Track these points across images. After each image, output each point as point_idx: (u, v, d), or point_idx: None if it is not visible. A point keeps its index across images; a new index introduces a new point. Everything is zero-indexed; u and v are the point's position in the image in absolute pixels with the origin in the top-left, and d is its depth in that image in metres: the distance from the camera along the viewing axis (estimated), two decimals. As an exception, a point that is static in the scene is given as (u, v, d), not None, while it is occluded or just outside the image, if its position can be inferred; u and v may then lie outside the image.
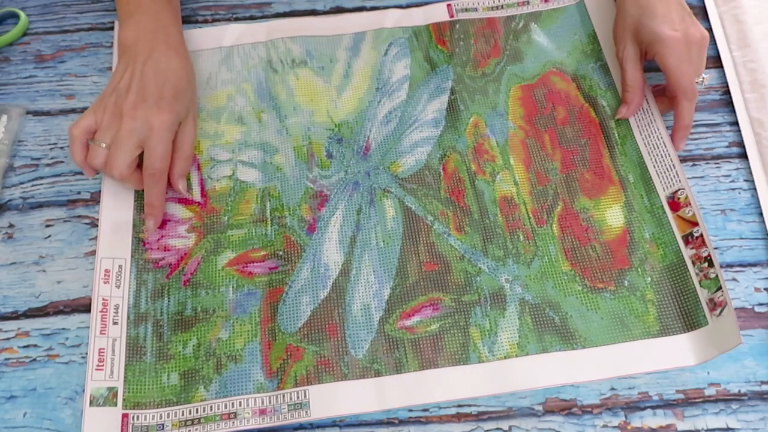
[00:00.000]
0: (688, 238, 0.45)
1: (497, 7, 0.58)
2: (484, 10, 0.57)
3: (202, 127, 0.51)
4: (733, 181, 0.50)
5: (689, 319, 0.43)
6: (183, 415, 0.41)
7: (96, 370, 0.42)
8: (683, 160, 0.50)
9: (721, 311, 0.41)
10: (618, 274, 0.45)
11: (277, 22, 0.57)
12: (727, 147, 0.51)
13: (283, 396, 0.41)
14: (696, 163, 0.51)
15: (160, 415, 0.41)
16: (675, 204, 0.47)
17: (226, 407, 0.41)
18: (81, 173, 0.50)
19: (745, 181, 0.49)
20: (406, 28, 0.56)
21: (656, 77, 0.54)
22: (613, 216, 0.47)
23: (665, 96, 0.50)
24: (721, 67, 0.54)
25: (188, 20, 0.58)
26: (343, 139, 0.51)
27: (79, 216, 0.49)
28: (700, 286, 0.44)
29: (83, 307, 0.45)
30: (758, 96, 0.52)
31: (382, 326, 0.44)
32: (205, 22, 0.58)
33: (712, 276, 0.43)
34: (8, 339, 0.44)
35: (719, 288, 0.42)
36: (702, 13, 0.57)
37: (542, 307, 0.44)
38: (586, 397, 0.42)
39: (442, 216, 0.48)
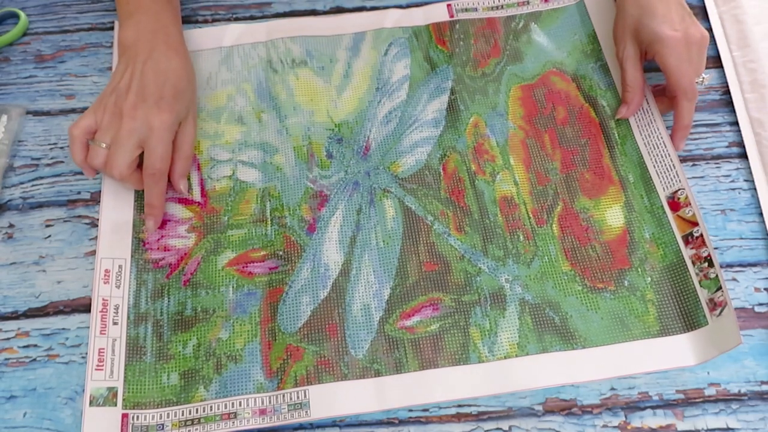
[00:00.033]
0: (688, 238, 0.45)
1: (497, 7, 0.58)
2: (484, 10, 0.57)
3: (202, 127, 0.51)
4: (733, 181, 0.50)
5: (689, 319, 0.43)
6: (183, 415, 0.41)
7: (96, 370, 0.42)
8: (683, 160, 0.50)
9: (721, 311, 0.41)
10: (618, 274, 0.45)
11: (277, 22, 0.57)
12: (727, 147, 0.51)
13: (283, 396, 0.41)
14: (696, 163, 0.51)
15: (160, 415, 0.41)
16: (675, 204, 0.47)
17: (226, 407, 0.41)
18: (81, 173, 0.50)
19: (745, 181, 0.49)
20: (406, 28, 0.56)
21: (656, 77, 0.54)
22: (613, 216, 0.47)
23: (665, 96, 0.50)
24: (721, 67, 0.54)
25: (188, 20, 0.58)
26: (343, 139, 0.51)
27: (79, 216, 0.49)
28: (700, 286, 0.44)
29: (83, 307, 0.45)
30: (758, 96, 0.52)
31: (382, 326, 0.44)
32: (205, 22, 0.58)
33: (712, 276, 0.43)
34: (8, 339, 0.44)
35: (719, 288, 0.42)
36: (702, 13, 0.57)
37: (542, 307, 0.44)
38: (586, 397, 0.42)
39: (442, 216, 0.48)
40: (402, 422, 0.42)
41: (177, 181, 0.47)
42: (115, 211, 0.47)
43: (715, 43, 0.55)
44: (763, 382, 0.42)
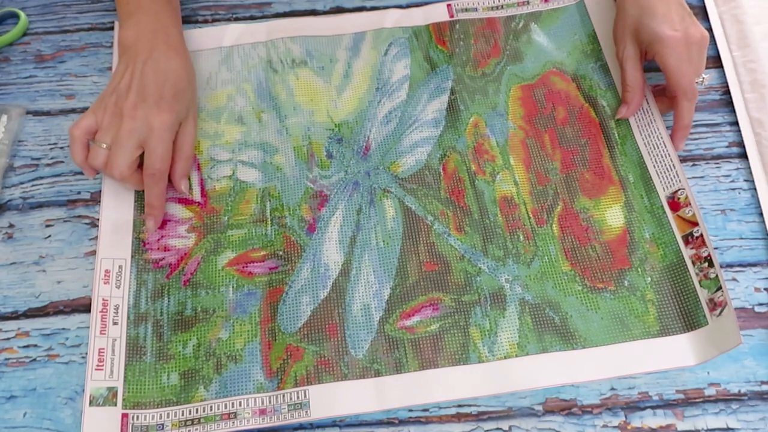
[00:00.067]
0: (688, 238, 0.45)
1: (497, 7, 0.58)
2: (484, 10, 0.57)
3: (202, 127, 0.51)
4: (733, 181, 0.50)
5: (689, 319, 0.43)
6: (183, 415, 0.41)
7: (96, 370, 0.42)
8: (683, 160, 0.50)
9: (721, 311, 0.41)
10: (618, 274, 0.45)
11: (277, 22, 0.57)
12: (727, 147, 0.51)
13: (283, 396, 0.41)
14: (696, 163, 0.51)
15: (160, 415, 0.41)
16: (675, 204, 0.47)
17: (226, 407, 0.41)
18: (81, 173, 0.50)
19: (745, 181, 0.49)
20: (406, 28, 0.56)
21: (656, 77, 0.54)
22: (613, 216, 0.47)
23: (665, 96, 0.50)
24: (721, 67, 0.54)
25: (188, 20, 0.58)
26: (343, 139, 0.51)
27: (79, 216, 0.49)
28: (700, 286, 0.44)
29: (83, 307, 0.45)
30: (758, 96, 0.52)
31: (382, 326, 0.44)
32: (205, 22, 0.58)
33: (712, 276, 0.43)
34: (8, 339, 0.44)
35: (719, 288, 0.42)
36: (702, 13, 0.57)
37: (542, 307, 0.44)
38: (586, 397, 0.42)
39: (442, 216, 0.48)
40: (402, 422, 0.42)
41: (178, 181, 0.47)
42: (116, 211, 0.47)
43: (715, 43, 0.55)
44: (763, 382, 0.42)
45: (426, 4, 0.58)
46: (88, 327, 0.43)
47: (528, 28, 0.56)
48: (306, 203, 0.48)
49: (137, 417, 0.41)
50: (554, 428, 0.41)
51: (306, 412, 0.41)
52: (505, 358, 0.42)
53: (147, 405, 0.41)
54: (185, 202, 0.48)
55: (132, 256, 0.46)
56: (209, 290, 0.45)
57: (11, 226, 0.48)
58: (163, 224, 0.47)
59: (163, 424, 0.40)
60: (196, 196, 0.49)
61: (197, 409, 0.41)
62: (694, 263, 0.44)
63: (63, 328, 0.44)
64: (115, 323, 0.43)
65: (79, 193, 0.49)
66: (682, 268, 0.45)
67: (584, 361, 0.42)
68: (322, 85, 0.54)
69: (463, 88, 0.53)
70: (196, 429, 0.40)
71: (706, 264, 0.43)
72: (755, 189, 0.49)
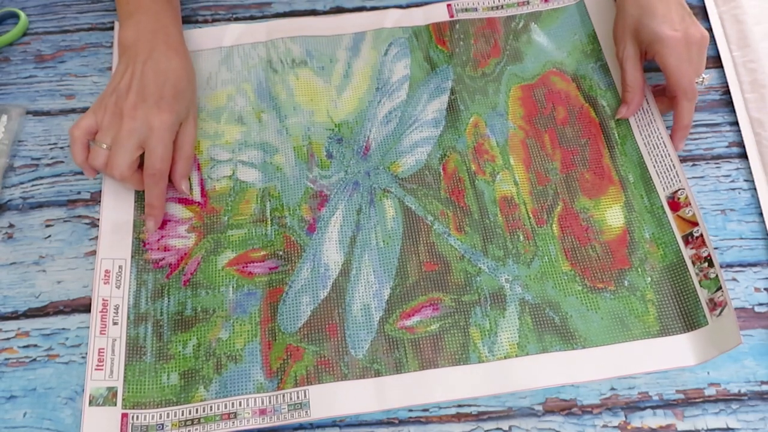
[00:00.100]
0: (688, 238, 0.45)
1: (497, 7, 0.58)
2: (484, 10, 0.57)
3: (202, 127, 0.51)
4: (733, 181, 0.50)
5: (689, 319, 0.43)
6: (183, 415, 0.41)
7: (96, 370, 0.42)
8: (683, 160, 0.50)
9: (721, 311, 0.41)
10: (618, 274, 0.45)
11: (277, 22, 0.57)
12: (727, 147, 0.51)
13: (283, 396, 0.41)
14: (696, 163, 0.51)
15: (160, 415, 0.41)
16: (675, 204, 0.47)
17: (226, 407, 0.41)
18: (81, 173, 0.50)
19: (745, 181, 0.49)
20: (406, 28, 0.56)
21: (656, 77, 0.54)
22: (613, 216, 0.47)
23: (665, 96, 0.50)
24: (721, 67, 0.54)
25: (188, 20, 0.58)
26: (343, 139, 0.51)
27: (79, 216, 0.49)
28: (700, 286, 0.44)
29: (83, 307, 0.45)
30: (758, 96, 0.52)
31: (382, 326, 0.44)
32: (205, 22, 0.58)
33: (712, 276, 0.43)
34: (8, 339, 0.44)
35: (719, 288, 0.42)
36: (702, 13, 0.57)
37: (542, 307, 0.44)
38: (586, 397, 0.42)
39: (442, 216, 0.48)
40: (402, 422, 0.42)
41: (178, 181, 0.47)
42: (116, 212, 0.47)
43: (715, 43, 0.55)
44: (763, 382, 0.42)
45: (426, 4, 0.58)
46: (88, 327, 0.43)
47: (528, 28, 0.56)
48: (306, 203, 0.48)
49: (137, 417, 0.41)
50: (554, 428, 0.41)
51: (306, 412, 0.41)
52: (505, 358, 0.42)
53: (147, 405, 0.41)
54: (185, 202, 0.48)
55: (132, 256, 0.46)
56: (209, 290, 0.45)
57: (11, 226, 0.48)
58: (163, 224, 0.47)
59: (162, 424, 0.40)
60: (196, 196, 0.49)
61: (197, 409, 0.41)
62: (694, 263, 0.44)
63: (63, 328, 0.44)
64: (115, 323, 0.43)
65: (79, 193, 0.50)
66: (682, 268, 0.45)
67: (584, 361, 0.42)
68: (322, 85, 0.54)
69: (463, 88, 0.53)
70: (196, 429, 0.40)
71: (706, 264, 0.43)
72: (755, 189, 0.49)
